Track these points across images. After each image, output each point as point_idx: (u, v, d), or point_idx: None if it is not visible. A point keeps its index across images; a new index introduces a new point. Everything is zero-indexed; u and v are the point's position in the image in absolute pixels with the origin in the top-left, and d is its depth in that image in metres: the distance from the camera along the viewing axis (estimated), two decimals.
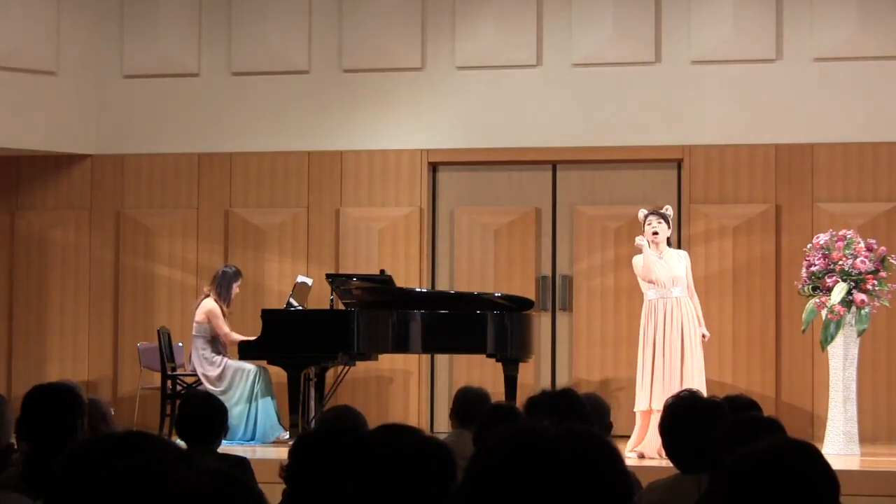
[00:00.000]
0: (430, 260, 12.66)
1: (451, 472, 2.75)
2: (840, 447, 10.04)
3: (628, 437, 10.04)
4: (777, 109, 12.08)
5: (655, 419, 9.67)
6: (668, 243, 10.32)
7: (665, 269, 10.05)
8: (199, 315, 11.21)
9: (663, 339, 9.97)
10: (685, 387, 9.43)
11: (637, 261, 10.18)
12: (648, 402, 9.90)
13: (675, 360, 9.93)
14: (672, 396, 4.56)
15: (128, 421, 12.11)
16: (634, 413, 10.08)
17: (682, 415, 4.36)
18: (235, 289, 11.36)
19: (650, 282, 10.06)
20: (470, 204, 12.66)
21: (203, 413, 5.71)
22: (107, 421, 5.77)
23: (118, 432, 2.79)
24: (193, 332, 11.22)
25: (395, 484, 2.68)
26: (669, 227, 10.28)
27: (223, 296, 11.26)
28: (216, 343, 11.20)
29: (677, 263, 10.13)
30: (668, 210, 10.37)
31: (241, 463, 5.87)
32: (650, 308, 10.07)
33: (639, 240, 10.15)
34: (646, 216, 10.22)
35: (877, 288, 10.06)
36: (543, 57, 12.46)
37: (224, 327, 11.17)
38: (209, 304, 11.20)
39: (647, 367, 10.01)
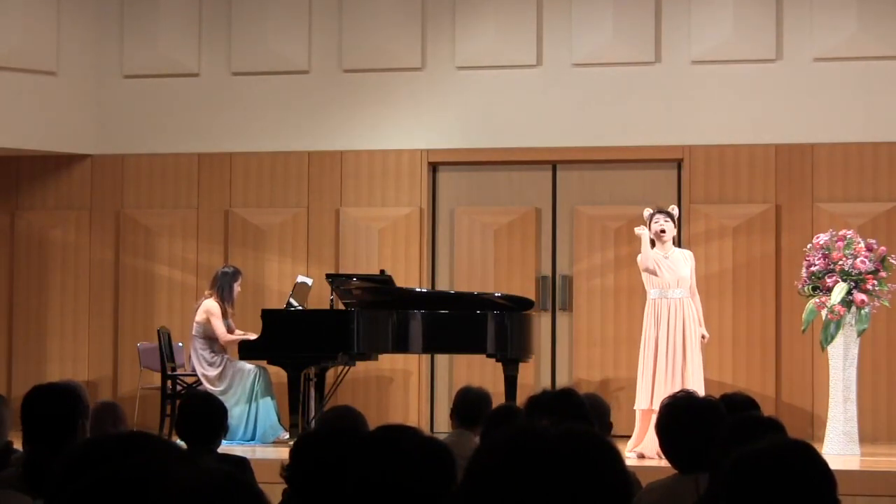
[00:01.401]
0: (430, 260, 12.66)
1: (451, 472, 2.75)
2: (840, 447, 10.03)
3: (628, 437, 10.04)
4: (777, 109, 12.07)
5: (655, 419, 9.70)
6: (673, 242, 10.32)
7: (671, 270, 10.06)
8: (200, 315, 11.21)
9: (666, 339, 9.97)
10: (685, 387, 9.47)
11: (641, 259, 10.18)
12: (650, 401, 9.88)
13: (678, 360, 9.93)
14: (668, 397, 4.56)
15: (128, 421, 12.10)
16: (634, 412, 10.08)
17: (678, 415, 4.37)
18: (237, 288, 11.36)
19: (649, 271, 10.04)
20: (470, 204, 12.66)
21: (203, 413, 5.71)
22: (117, 426, 5.77)
23: (119, 432, 2.79)
24: (193, 332, 11.22)
25: (395, 484, 2.68)
26: (675, 227, 10.29)
27: (225, 296, 11.26)
28: (215, 343, 11.20)
29: (683, 265, 10.12)
30: (675, 210, 10.36)
31: (242, 463, 5.87)
32: (653, 308, 10.07)
33: (638, 230, 10.14)
34: (652, 214, 10.21)
35: (877, 288, 10.06)
36: (543, 57, 12.46)
37: (220, 328, 11.16)
38: (209, 305, 11.20)
39: (648, 366, 10.01)
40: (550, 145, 12.41)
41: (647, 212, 10.30)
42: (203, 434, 5.64)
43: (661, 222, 10.12)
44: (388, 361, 12.16)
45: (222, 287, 11.26)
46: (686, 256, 10.26)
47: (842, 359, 10.13)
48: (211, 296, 11.25)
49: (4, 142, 12.70)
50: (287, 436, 10.83)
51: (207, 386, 10.98)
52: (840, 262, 10.05)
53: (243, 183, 12.91)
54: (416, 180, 12.63)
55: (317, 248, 12.71)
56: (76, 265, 13.08)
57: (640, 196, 12.12)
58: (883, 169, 11.95)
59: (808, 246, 10.31)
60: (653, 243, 10.15)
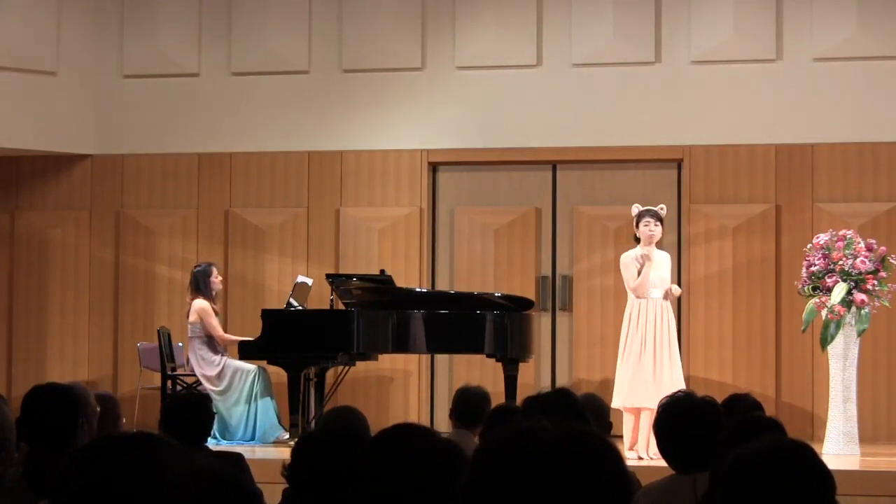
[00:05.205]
0: (430, 260, 12.67)
1: (462, 472, 2.75)
2: (840, 447, 10.03)
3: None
4: (777, 109, 12.08)
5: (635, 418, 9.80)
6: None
7: (655, 272, 10.06)
8: (192, 315, 11.20)
9: (649, 339, 9.96)
10: (664, 387, 9.52)
11: (628, 265, 10.11)
12: (622, 400, 9.93)
13: (664, 360, 9.94)
14: (667, 396, 4.56)
15: (128, 421, 12.10)
16: (626, 411, 10.05)
17: (676, 414, 4.37)
18: (215, 281, 11.28)
19: (637, 293, 10.04)
20: (470, 204, 12.66)
21: (188, 414, 5.72)
22: (118, 421, 5.76)
23: (122, 432, 2.80)
24: (189, 334, 11.22)
25: (408, 486, 2.68)
26: (662, 228, 10.25)
27: (205, 293, 11.23)
28: (213, 342, 11.19)
29: (664, 266, 10.10)
30: (663, 210, 10.30)
31: (237, 459, 5.87)
32: (636, 308, 10.06)
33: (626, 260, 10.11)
34: (641, 214, 10.15)
35: (877, 288, 10.06)
36: (543, 57, 12.46)
37: (217, 328, 11.16)
38: (200, 304, 11.18)
39: (631, 365, 9.98)
40: (550, 145, 12.41)
41: (635, 209, 10.24)
42: (190, 434, 5.62)
43: (650, 226, 10.08)
44: (388, 361, 12.16)
45: (198, 285, 11.22)
46: (665, 258, 10.22)
47: (842, 359, 10.13)
48: (197, 296, 11.23)
49: (4, 142, 12.70)
50: (287, 436, 10.83)
51: (207, 385, 10.98)
52: (840, 262, 10.05)
53: (243, 183, 12.91)
54: (415, 180, 12.63)
55: (317, 248, 12.71)
56: (76, 265, 13.08)
57: (640, 196, 12.09)
58: (883, 169, 11.95)
59: (808, 246, 10.31)
60: (637, 241, 10.16)
